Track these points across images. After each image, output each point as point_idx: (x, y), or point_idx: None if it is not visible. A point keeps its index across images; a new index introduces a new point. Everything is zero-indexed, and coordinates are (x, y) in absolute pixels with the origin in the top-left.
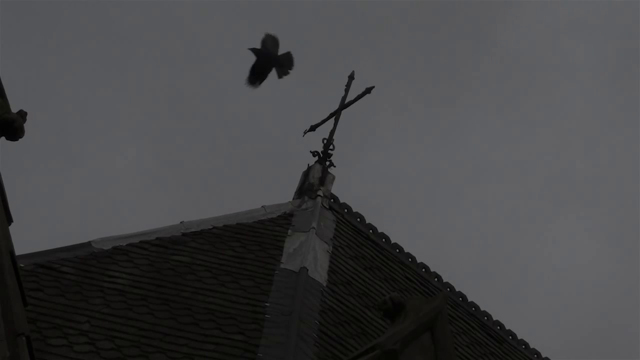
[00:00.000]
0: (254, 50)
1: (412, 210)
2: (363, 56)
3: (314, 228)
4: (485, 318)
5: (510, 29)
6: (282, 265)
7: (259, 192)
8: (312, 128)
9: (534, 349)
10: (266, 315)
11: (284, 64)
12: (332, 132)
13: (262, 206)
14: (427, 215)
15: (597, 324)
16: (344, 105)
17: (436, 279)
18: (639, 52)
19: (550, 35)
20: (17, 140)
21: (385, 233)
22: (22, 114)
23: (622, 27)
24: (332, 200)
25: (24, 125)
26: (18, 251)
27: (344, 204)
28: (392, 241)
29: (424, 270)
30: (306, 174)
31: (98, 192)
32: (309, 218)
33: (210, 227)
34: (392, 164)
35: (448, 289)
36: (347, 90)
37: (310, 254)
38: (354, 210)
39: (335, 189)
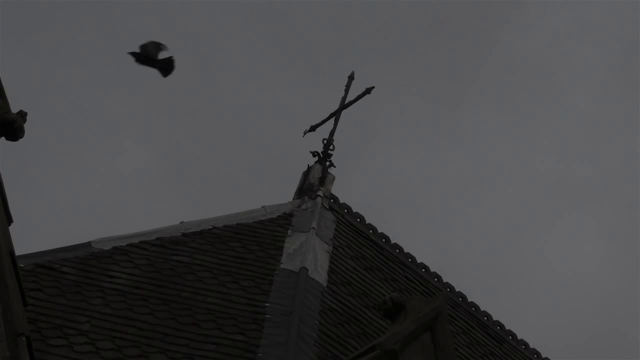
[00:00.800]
0: (133, 54)
1: (412, 210)
2: (363, 56)
3: (314, 228)
4: (485, 318)
5: (514, 31)
6: (282, 266)
7: (259, 192)
8: (312, 128)
9: (534, 349)
10: (266, 316)
11: (165, 68)
12: (332, 133)
13: (262, 206)
14: (427, 215)
15: (597, 324)
16: (344, 106)
17: (436, 279)
18: None
19: (555, 38)
20: (17, 140)
21: (385, 233)
22: (22, 114)
23: (627, 31)
24: (332, 200)
25: (24, 125)
26: (18, 251)
27: (344, 204)
28: (392, 241)
29: (424, 270)
30: (306, 174)
31: (98, 192)
32: (309, 218)
33: (210, 227)
34: (392, 164)
35: (448, 289)
36: (347, 91)
37: (310, 254)
38: (354, 210)
39: (335, 189)
